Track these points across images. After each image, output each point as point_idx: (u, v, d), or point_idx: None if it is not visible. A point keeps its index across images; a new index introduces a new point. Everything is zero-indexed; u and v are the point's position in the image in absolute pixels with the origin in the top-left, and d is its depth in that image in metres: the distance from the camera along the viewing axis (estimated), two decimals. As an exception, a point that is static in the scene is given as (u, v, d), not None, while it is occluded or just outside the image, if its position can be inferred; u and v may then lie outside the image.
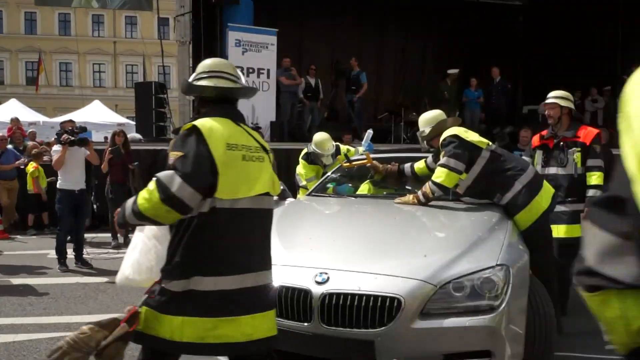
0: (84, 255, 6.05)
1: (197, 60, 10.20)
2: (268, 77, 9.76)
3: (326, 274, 2.49)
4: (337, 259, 2.61)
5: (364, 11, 13.38)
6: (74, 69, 33.72)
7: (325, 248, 2.76)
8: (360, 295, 2.38)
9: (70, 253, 6.05)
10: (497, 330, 2.38)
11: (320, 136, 5.45)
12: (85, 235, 6.33)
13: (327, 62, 12.11)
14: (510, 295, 2.48)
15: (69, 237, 6.03)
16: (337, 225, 3.20)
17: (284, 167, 8.87)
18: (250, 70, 9.63)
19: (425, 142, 3.82)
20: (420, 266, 2.50)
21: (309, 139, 9.94)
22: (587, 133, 4.24)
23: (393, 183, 4.28)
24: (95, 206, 8.91)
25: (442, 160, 3.45)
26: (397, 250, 2.69)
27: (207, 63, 2.20)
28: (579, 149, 4.20)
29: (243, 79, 2.26)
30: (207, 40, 9.99)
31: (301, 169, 5.61)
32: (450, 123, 3.69)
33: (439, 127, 3.67)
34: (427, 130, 3.73)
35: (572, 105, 4.29)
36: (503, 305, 2.43)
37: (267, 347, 2.04)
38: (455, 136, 3.48)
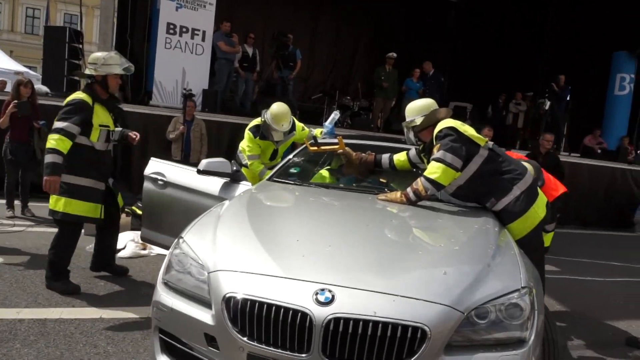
0: (-29, 227, 4.99)
1: (122, 10, 9.03)
2: (203, 39, 8.84)
3: (330, 291, 1.96)
4: (340, 271, 2.08)
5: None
6: (-37, 4, 29.56)
7: (321, 255, 2.21)
8: (376, 323, 1.88)
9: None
10: (527, 367, 2.01)
11: (279, 107, 4.78)
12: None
13: (259, 33, 11.39)
14: (535, 323, 2.13)
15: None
16: (324, 224, 2.65)
17: (215, 141, 8.10)
18: (184, 30, 8.66)
19: (412, 133, 3.39)
20: (443, 286, 2.05)
21: (241, 113, 9.31)
22: None
23: (354, 173, 3.82)
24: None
25: (438, 154, 3.03)
26: (410, 263, 2.22)
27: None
28: None
29: None
30: (136, -12, 8.85)
31: (246, 143, 4.92)
32: (443, 114, 3.29)
33: (432, 117, 3.25)
34: (419, 120, 3.28)
35: None
36: (532, 337, 2.07)
37: None
38: (453, 129, 3.09)
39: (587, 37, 12.27)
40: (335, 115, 4.34)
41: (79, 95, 3.78)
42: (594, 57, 12.23)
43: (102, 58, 3.80)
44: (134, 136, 4.02)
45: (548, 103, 11.38)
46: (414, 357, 1.87)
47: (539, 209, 3.11)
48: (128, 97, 8.90)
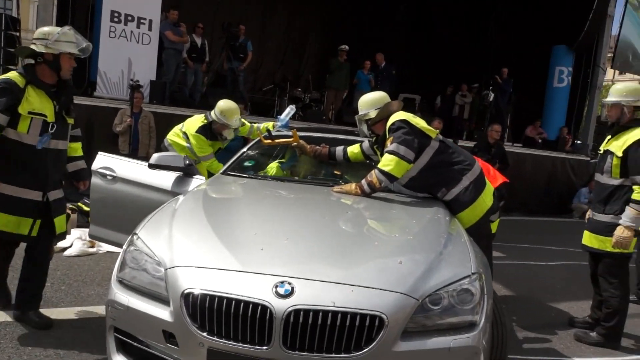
0: None
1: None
2: (150, 28, 8.58)
3: (289, 283, 1.98)
4: (299, 264, 2.11)
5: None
6: None
7: (279, 248, 2.23)
8: (335, 313, 1.92)
9: None
10: (479, 349, 2.11)
11: (227, 102, 4.79)
12: None
13: (208, 23, 11.18)
14: (485, 307, 2.24)
15: None
16: (281, 217, 2.66)
17: (164, 134, 7.81)
18: (129, 18, 8.37)
19: (365, 126, 3.45)
20: (398, 275, 2.11)
21: (190, 104, 9.12)
22: None
23: (304, 166, 3.86)
24: None
25: (391, 146, 3.10)
26: (366, 253, 2.27)
27: None
28: None
29: None
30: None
31: (196, 145, 4.81)
32: (395, 107, 3.36)
33: (385, 110, 3.32)
34: (372, 113, 3.35)
35: None
36: (483, 320, 2.17)
37: None
38: (405, 121, 3.16)
39: (528, 32, 12.80)
40: (291, 109, 4.35)
41: (8, 75, 3.03)
42: (535, 51, 12.77)
43: (55, 33, 3.02)
44: (82, 186, 3.53)
45: (492, 95, 11.81)
46: (372, 345, 1.93)
47: (486, 198, 3.24)
48: (71, 88, 8.54)
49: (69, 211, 5.74)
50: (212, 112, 4.79)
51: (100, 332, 3.09)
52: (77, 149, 3.46)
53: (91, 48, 3.21)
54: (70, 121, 3.27)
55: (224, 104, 4.76)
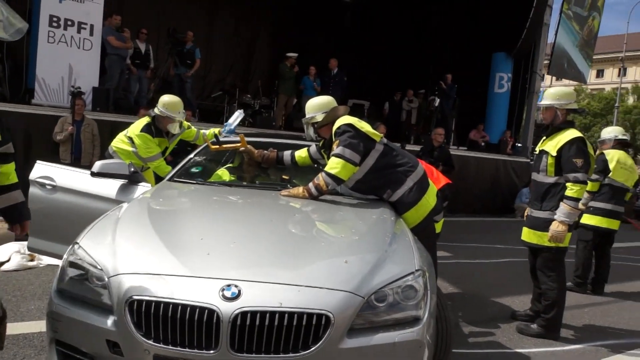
0: None
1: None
2: (91, 34, 8.33)
3: (236, 286, 1.98)
4: (246, 267, 2.11)
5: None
6: None
7: (226, 252, 2.22)
8: (282, 313, 1.94)
9: None
10: (423, 343, 2.18)
11: (170, 96, 4.87)
12: None
13: (153, 29, 10.98)
14: (429, 302, 2.31)
15: None
16: (228, 221, 2.65)
17: (108, 142, 7.59)
18: (69, 23, 8.10)
19: (312, 130, 3.49)
20: (344, 274, 2.15)
21: (136, 112, 8.91)
22: None
23: (256, 170, 3.87)
24: None
25: (337, 150, 3.16)
26: (313, 254, 2.30)
27: None
28: None
29: None
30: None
31: (143, 146, 4.76)
32: (342, 111, 3.43)
33: (332, 115, 3.37)
34: (319, 116, 3.39)
35: None
36: (426, 315, 2.24)
37: None
38: (351, 125, 3.23)
39: (469, 40, 13.30)
40: (240, 114, 4.34)
41: None
42: (476, 58, 13.29)
43: None
44: (19, 231, 2.52)
45: (437, 100, 12.19)
46: (319, 343, 1.95)
47: (430, 199, 3.34)
48: (6, 95, 8.17)
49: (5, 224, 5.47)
50: (155, 108, 4.82)
51: (42, 347, 3.00)
52: (8, 173, 2.36)
53: (26, 28, 2.20)
54: None
55: (167, 97, 4.85)
